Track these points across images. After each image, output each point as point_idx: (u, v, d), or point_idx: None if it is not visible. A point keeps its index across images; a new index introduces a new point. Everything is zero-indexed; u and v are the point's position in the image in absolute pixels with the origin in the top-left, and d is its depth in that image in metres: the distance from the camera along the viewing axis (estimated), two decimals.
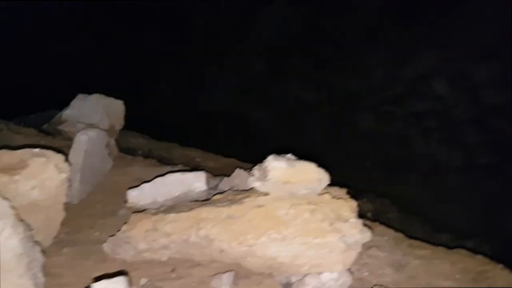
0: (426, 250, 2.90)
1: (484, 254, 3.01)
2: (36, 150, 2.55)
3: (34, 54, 5.24)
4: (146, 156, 4.51)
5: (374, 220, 3.50)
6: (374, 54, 3.70)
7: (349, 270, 2.32)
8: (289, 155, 2.40)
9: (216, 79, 4.73)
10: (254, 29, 4.36)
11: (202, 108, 4.70)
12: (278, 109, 4.11)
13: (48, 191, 2.49)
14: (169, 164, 4.24)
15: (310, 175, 2.33)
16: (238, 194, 2.68)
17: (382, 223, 3.38)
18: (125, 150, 4.48)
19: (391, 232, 3.14)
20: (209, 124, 4.61)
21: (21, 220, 2.10)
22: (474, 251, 3.06)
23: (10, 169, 2.40)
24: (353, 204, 2.44)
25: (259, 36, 4.31)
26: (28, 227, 2.18)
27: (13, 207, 2.06)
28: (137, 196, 3.02)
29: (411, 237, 3.21)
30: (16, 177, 2.38)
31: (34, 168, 2.44)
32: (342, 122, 3.81)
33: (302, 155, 2.48)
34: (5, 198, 2.05)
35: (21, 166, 2.43)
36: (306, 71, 3.96)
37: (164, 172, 3.35)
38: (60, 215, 2.67)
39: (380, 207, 3.99)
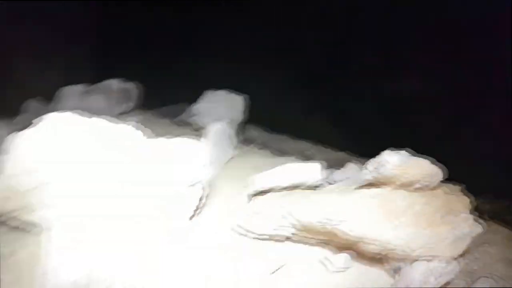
0: None
1: None
2: (184, 138, 3.10)
3: (167, 52, 5.97)
4: (262, 147, 4.95)
5: (490, 218, 3.47)
6: (495, 48, 3.53)
7: (457, 260, 2.45)
8: (404, 151, 2.59)
9: (327, 74, 4.92)
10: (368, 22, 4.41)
11: (315, 101, 4.94)
12: (396, 104, 4.11)
13: (192, 171, 3.02)
14: (283, 155, 4.63)
15: (424, 170, 2.50)
16: (351, 186, 2.95)
17: (498, 222, 3.36)
18: (243, 141, 4.98)
19: (505, 230, 3.13)
20: (320, 117, 4.85)
21: None
22: None
23: (166, 153, 2.96)
24: (466, 200, 2.56)
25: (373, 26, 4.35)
26: None
27: None
28: (258, 181, 3.39)
29: None
30: (170, 160, 2.94)
31: (184, 153, 2.98)
32: (464, 119, 3.66)
33: (419, 151, 2.63)
34: None
35: (174, 150, 2.99)
36: (425, 64, 3.88)
37: (278, 163, 3.74)
38: (199, 192, 3.19)
39: (499, 208, 3.88)
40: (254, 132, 5.43)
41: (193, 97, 5.26)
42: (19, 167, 2.51)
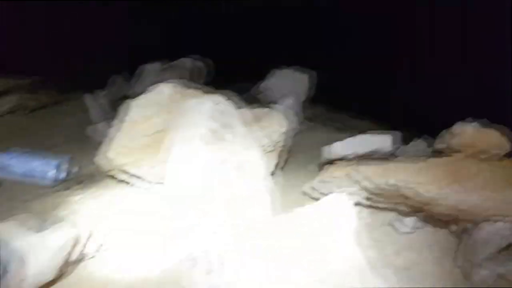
0: None
1: None
2: (266, 109, 3.45)
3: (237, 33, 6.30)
4: (326, 124, 5.22)
5: None
6: None
7: None
8: (476, 122, 2.79)
9: (393, 53, 5.00)
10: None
11: (380, 80, 5.07)
12: (468, 82, 4.09)
13: (273, 138, 3.37)
14: (347, 132, 4.87)
15: (494, 141, 2.71)
16: (420, 156, 3.18)
17: None
18: (309, 118, 5.26)
19: None
20: (386, 96, 4.98)
21: None
22: None
23: (250, 122, 3.32)
24: None
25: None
26: None
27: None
28: (333, 149, 3.64)
29: None
30: (254, 128, 3.29)
31: (266, 122, 3.33)
32: None
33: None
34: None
35: (257, 119, 3.34)
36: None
37: (342, 139, 3.98)
38: (276, 158, 3.55)
39: None
40: (319, 108, 5.67)
41: (261, 75, 5.58)
42: (134, 128, 2.96)
